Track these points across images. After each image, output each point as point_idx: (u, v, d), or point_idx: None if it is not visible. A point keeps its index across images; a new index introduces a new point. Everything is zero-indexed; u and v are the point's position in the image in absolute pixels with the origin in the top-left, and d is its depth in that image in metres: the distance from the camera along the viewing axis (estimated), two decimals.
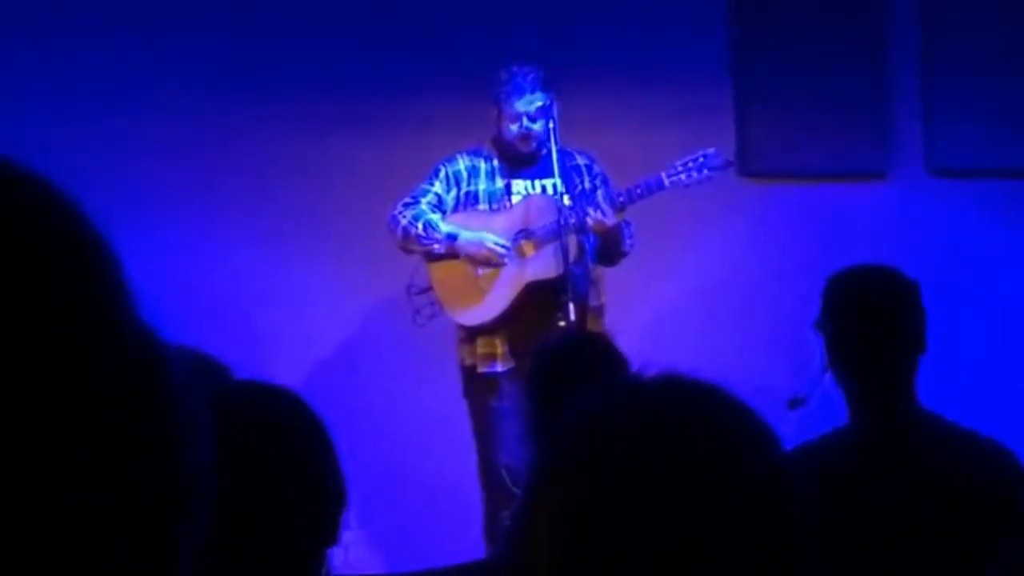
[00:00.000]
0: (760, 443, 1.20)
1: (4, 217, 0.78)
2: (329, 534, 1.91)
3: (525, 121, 5.55)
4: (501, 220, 5.60)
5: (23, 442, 0.74)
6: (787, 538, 1.16)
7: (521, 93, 5.55)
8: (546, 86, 5.56)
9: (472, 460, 5.54)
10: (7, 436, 0.74)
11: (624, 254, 5.65)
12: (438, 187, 5.64)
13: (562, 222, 5.38)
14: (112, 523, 0.77)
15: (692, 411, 1.19)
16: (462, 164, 5.67)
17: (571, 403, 1.22)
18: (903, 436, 2.98)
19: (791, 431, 4.09)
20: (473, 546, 5.35)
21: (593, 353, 3.58)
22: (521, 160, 5.65)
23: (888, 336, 2.98)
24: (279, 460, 1.88)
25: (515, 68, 5.61)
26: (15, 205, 0.79)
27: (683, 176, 5.52)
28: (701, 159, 5.54)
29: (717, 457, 1.16)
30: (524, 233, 5.57)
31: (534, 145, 5.56)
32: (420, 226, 5.56)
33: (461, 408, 5.60)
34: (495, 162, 5.67)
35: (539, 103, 5.53)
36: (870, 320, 3.00)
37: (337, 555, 1.96)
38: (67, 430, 0.75)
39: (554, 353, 3.68)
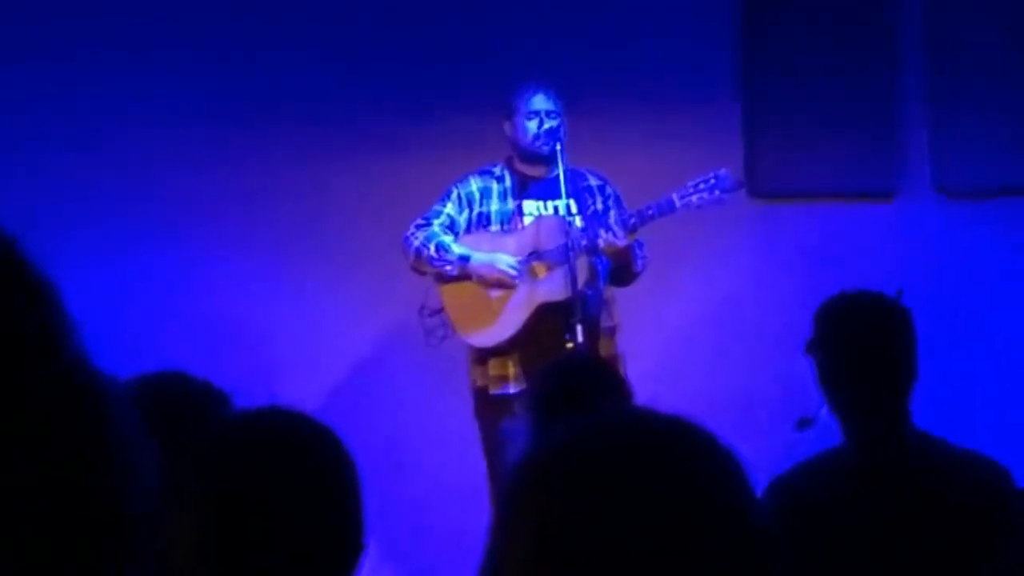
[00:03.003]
0: (723, 466, 1.24)
1: None
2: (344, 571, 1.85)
3: (544, 118, 5.58)
4: (512, 241, 5.63)
5: None
6: (751, 557, 1.21)
7: (536, 92, 5.61)
8: (558, 99, 5.61)
9: (484, 481, 5.56)
10: None
11: (637, 274, 5.66)
12: (450, 208, 5.67)
13: (570, 244, 5.41)
14: (50, 553, 0.78)
15: (658, 433, 1.25)
16: (474, 185, 5.70)
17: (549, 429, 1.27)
18: (892, 459, 2.98)
19: (801, 451, 4.11)
20: None
21: (588, 377, 3.61)
22: (533, 179, 5.68)
23: (876, 363, 2.99)
24: (294, 492, 1.82)
25: (526, 82, 5.68)
26: None
27: (694, 198, 5.50)
28: (712, 180, 5.53)
29: (682, 477, 1.21)
30: (535, 255, 5.59)
31: (553, 145, 5.52)
32: (432, 247, 5.59)
33: (472, 429, 5.62)
34: (507, 182, 5.70)
35: (553, 108, 5.57)
36: (859, 347, 3.02)
37: None
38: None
39: (551, 377, 3.70)
